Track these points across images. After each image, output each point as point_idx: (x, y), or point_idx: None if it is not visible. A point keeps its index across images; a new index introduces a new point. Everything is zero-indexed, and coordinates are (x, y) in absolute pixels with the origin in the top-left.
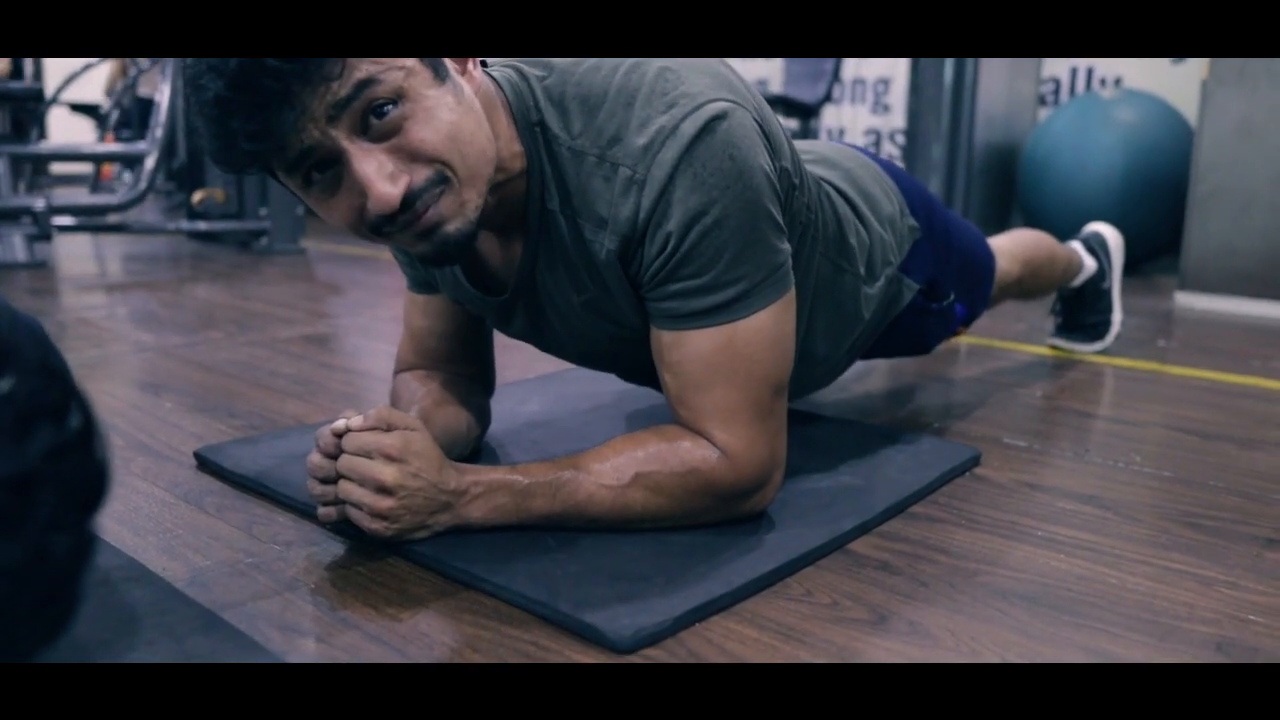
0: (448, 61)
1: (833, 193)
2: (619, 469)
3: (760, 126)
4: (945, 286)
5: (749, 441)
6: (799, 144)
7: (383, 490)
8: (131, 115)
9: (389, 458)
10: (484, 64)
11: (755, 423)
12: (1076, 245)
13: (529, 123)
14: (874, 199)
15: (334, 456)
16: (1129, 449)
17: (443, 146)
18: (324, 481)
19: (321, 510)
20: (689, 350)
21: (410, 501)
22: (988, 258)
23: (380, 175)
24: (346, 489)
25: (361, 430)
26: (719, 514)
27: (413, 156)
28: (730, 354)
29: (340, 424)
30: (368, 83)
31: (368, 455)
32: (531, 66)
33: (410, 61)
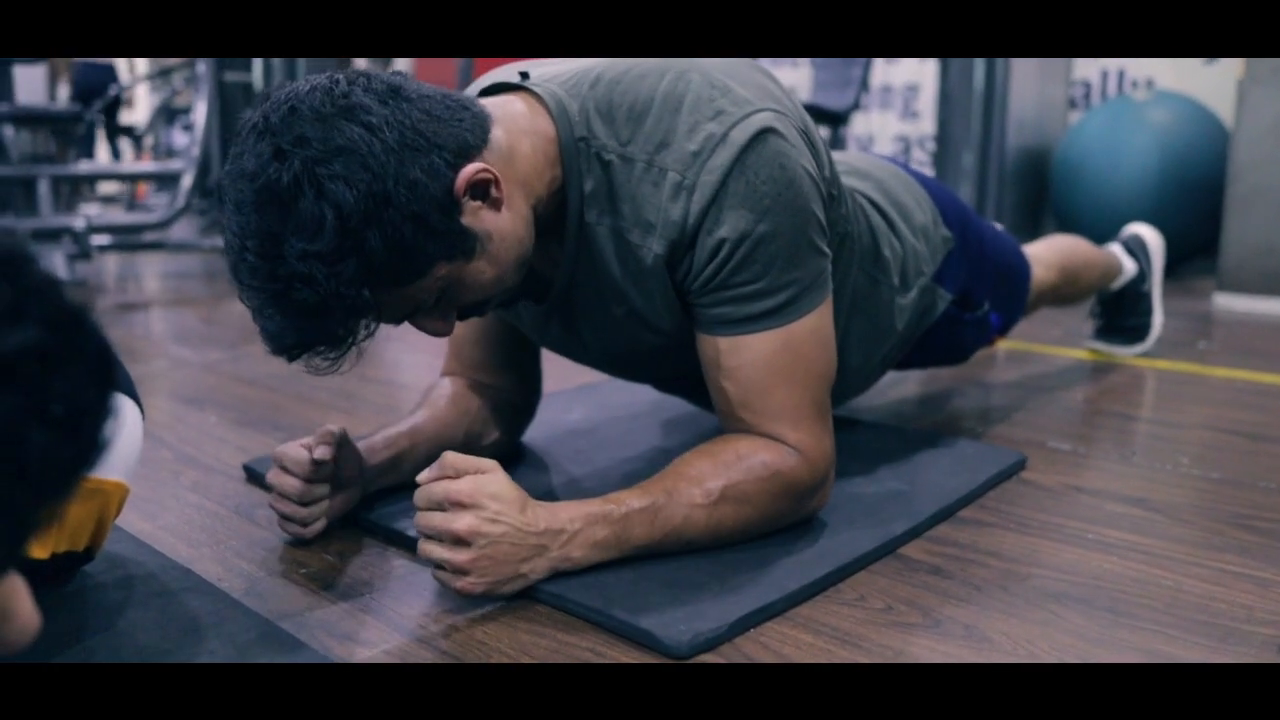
0: (469, 205)
1: (866, 204)
2: (706, 486)
3: (804, 135)
4: (979, 296)
5: (817, 437)
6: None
7: (459, 542)
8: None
9: (461, 505)
10: (525, 75)
11: (819, 420)
12: (1116, 248)
13: (572, 140)
14: (907, 209)
15: (302, 477)
16: (1175, 451)
17: (485, 296)
18: (280, 497)
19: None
20: (748, 355)
21: (495, 550)
22: (1023, 266)
23: (433, 325)
24: (425, 548)
25: (430, 481)
26: (794, 515)
27: (460, 305)
28: (789, 355)
29: (321, 453)
30: (413, 312)
31: (440, 508)
32: (579, 80)
33: (442, 269)
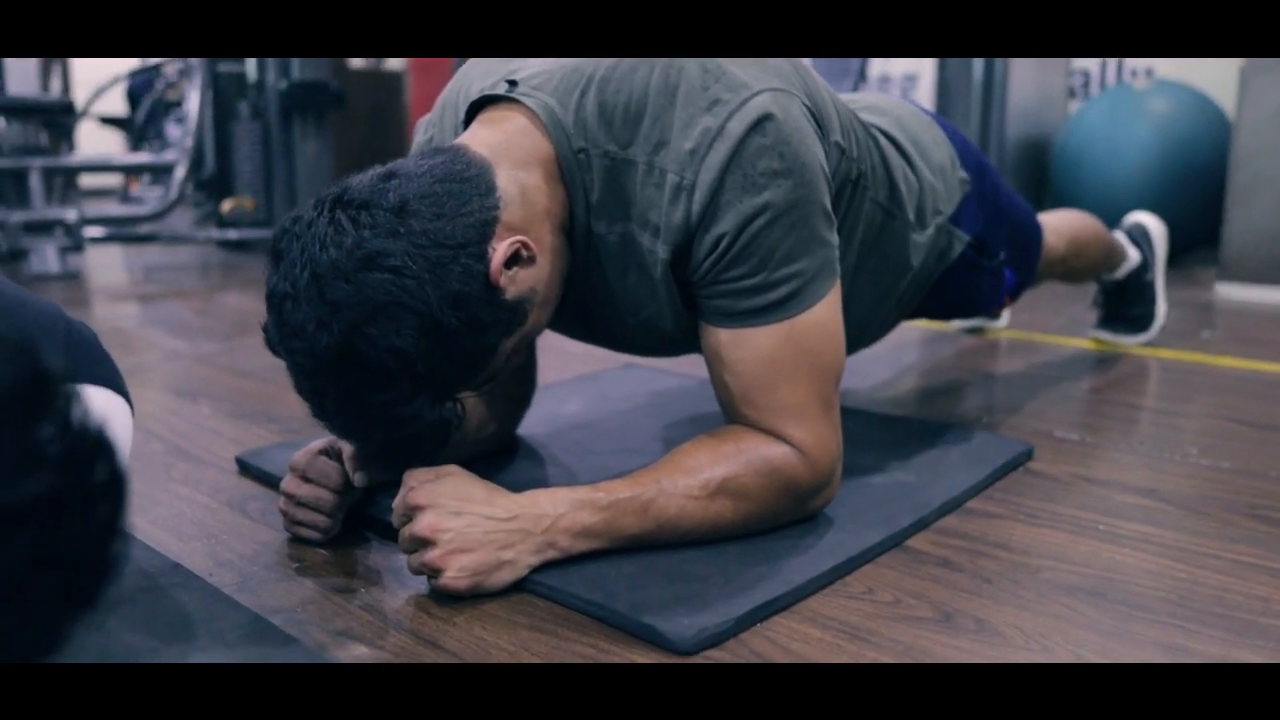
0: (506, 277)
1: (881, 137)
2: (702, 477)
3: (809, 109)
4: (995, 245)
5: (821, 435)
6: (849, 97)
7: (425, 543)
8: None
9: (419, 508)
10: (513, 83)
11: (823, 416)
12: (1119, 235)
13: (571, 153)
14: (924, 146)
15: (331, 489)
16: (1183, 441)
17: (543, 327)
18: (300, 505)
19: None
20: (749, 349)
21: (463, 541)
22: (1036, 227)
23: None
24: (408, 563)
25: (397, 501)
26: (796, 513)
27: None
28: (792, 350)
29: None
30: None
31: (408, 519)
32: (570, 84)
33: (506, 344)
